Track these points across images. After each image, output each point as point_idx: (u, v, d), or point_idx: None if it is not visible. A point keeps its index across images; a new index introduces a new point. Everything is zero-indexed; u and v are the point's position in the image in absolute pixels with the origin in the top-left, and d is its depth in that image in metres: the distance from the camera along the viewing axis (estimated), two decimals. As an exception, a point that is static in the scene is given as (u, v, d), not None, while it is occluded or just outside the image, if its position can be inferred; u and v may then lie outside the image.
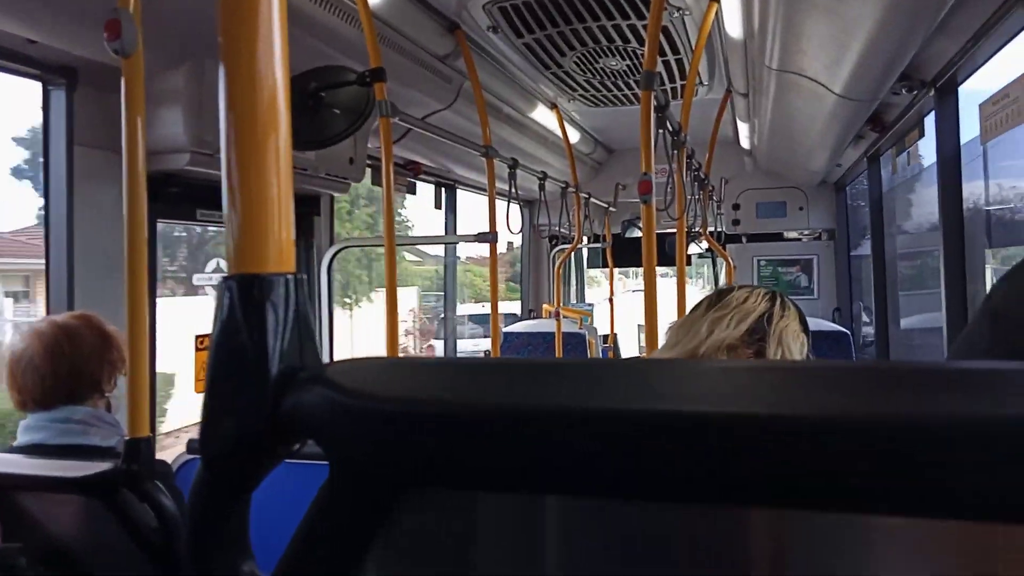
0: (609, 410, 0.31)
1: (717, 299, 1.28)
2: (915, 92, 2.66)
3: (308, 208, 2.93)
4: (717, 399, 0.31)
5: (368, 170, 2.98)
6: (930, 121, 2.81)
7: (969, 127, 2.49)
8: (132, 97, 1.17)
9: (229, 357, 0.36)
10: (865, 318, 5.00)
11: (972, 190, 2.63)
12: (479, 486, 0.34)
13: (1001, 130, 2.02)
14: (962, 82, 2.48)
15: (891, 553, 0.31)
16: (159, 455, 1.32)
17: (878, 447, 0.27)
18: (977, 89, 2.40)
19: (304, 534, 0.36)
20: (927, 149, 3.04)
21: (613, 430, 0.30)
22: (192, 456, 1.63)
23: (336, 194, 2.95)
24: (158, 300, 2.28)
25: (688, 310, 1.36)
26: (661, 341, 2.11)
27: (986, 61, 2.25)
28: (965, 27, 2.06)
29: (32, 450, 1.35)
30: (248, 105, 0.37)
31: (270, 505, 0.65)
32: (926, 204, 3.31)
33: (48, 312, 1.95)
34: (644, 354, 1.96)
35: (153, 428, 1.92)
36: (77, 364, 1.43)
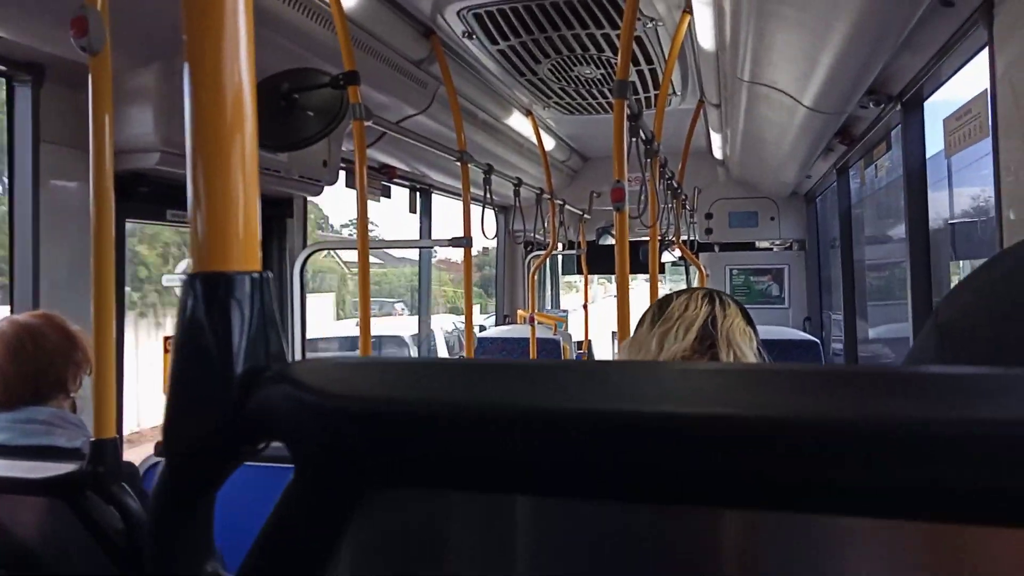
0: (575, 410, 0.31)
1: (659, 311, 1.26)
2: (882, 106, 2.71)
3: (281, 210, 2.90)
4: (687, 400, 0.32)
5: (342, 173, 2.96)
6: (897, 134, 2.87)
7: (935, 141, 2.55)
8: (99, 95, 1.15)
9: (192, 356, 0.36)
10: (835, 328, 5.08)
11: (938, 203, 2.69)
12: (446, 485, 0.35)
13: (964, 144, 2.07)
14: (927, 97, 2.54)
15: (856, 554, 0.31)
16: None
17: (824, 447, 0.28)
18: (948, 100, 2.46)
19: (268, 534, 0.36)
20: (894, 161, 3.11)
21: (578, 430, 0.31)
22: (159, 458, 1.61)
23: (309, 196, 2.94)
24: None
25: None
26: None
27: (950, 77, 2.31)
28: (929, 43, 2.11)
29: None
30: (213, 103, 0.37)
31: (234, 508, 0.64)
32: (893, 215, 3.38)
33: (12, 311, 1.91)
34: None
35: (120, 429, 1.89)
36: (41, 364, 1.41)
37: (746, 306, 1.31)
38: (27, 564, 1.12)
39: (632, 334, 1.32)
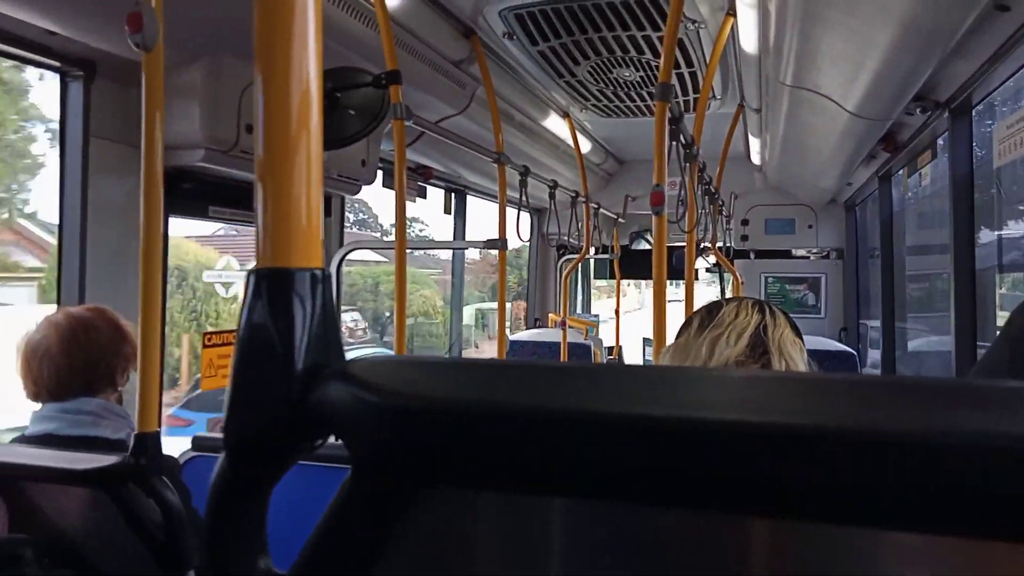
0: (633, 415, 0.31)
1: (708, 317, 1.25)
2: (929, 113, 2.66)
3: (319, 209, 2.93)
4: (726, 407, 0.31)
5: (379, 172, 2.99)
6: (943, 142, 2.81)
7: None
8: (152, 91, 1.17)
9: (255, 350, 0.36)
10: (872, 338, 4.99)
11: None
12: (500, 486, 0.34)
13: (1015, 153, 2.02)
14: (976, 104, 2.48)
15: (883, 559, 0.31)
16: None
17: (883, 460, 0.27)
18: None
19: (323, 530, 0.36)
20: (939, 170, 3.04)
21: (635, 434, 0.30)
22: (198, 453, 1.63)
23: (347, 195, 2.96)
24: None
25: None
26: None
27: (1001, 84, 2.25)
28: (981, 50, 2.06)
29: (43, 440, 1.36)
30: (283, 104, 0.37)
31: (284, 507, 0.65)
32: (937, 226, 3.30)
33: (59, 305, 1.96)
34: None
35: (161, 423, 1.92)
36: (93, 356, 1.43)
37: (780, 307, 1.30)
38: (69, 553, 1.14)
39: (675, 339, 1.31)
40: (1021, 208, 2.58)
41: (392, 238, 2.19)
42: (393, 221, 2.20)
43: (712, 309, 1.28)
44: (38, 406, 1.42)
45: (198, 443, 1.65)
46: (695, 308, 2.45)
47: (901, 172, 3.76)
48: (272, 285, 0.36)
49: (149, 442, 1.11)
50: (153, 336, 1.14)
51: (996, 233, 2.65)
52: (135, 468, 1.10)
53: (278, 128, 0.37)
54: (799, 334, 1.26)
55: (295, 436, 0.35)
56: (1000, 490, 0.26)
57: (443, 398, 0.33)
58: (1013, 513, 0.26)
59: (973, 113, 2.54)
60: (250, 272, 0.37)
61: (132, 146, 1.16)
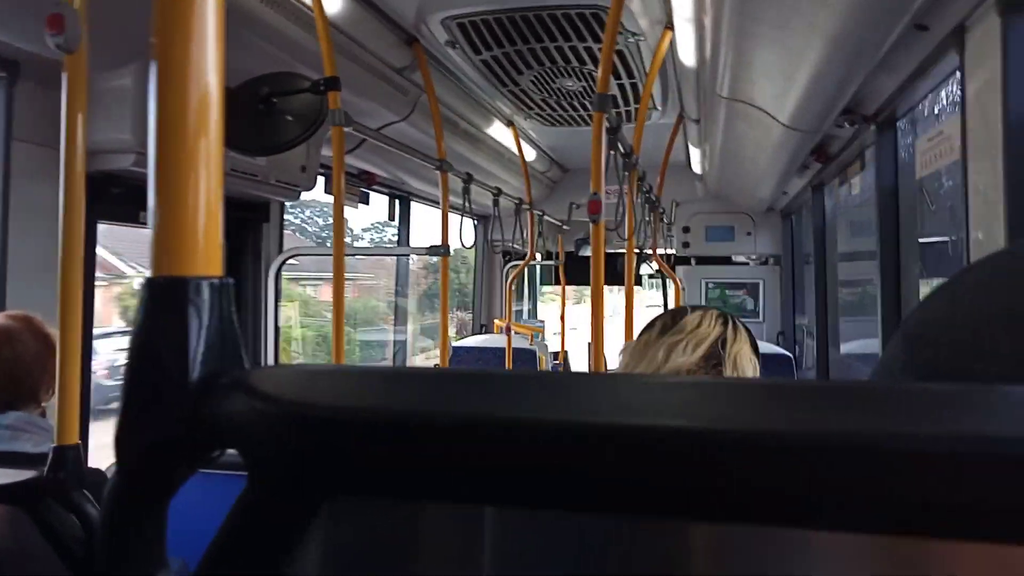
0: (531, 420, 0.31)
1: (671, 322, 1.27)
2: (856, 126, 2.76)
3: (257, 214, 2.88)
4: (653, 412, 0.32)
5: (320, 178, 2.95)
6: (870, 154, 2.92)
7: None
8: (73, 94, 1.14)
9: (147, 361, 0.35)
10: (808, 342, 5.14)
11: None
12: (400, 495, 0.34)
13: (935, 165, 2.11)
14: (900, 118, 2.58)
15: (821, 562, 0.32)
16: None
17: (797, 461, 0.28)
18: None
19: (220, 544, 0.35)
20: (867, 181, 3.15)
21: (536, 440, 0.31)
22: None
23: (286, 201, 2.92)
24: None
25: (639, 330, 1.35)
26: (611, 361, 2.13)
27: (922, 99, 2.35)
28: (903, 66, 2.14)
29: None
30: (179, 105, 0.37)
31: (186, 517, 0.63)
32: (865, 233, 3.43)
33: (-23, 312, 1.88)
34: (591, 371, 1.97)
35: (85, 435, 1.86)
36: (17, 370, 1.37)
37: (743, 323, 1.33)
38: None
39: (636, 338, 1.33)
40: (941, 217, 2.70)
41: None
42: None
43: (677, 315, 1.30)
44: None
45: None
46: (633, 314, 2.49)
47: (834, 182, 3.89)
48: (165, 295, 0.36)
49: (68, 455, 1.07)
50: (72, 344, 1.10)
51: (919, 240, 2.76)
52: (53, 482, 1.06)
53: (173, 132, 0.36)
54: (757, 352, 1.29)
55: (190, 448, 0.35)
56: (884, 490, 0.27)
57: (334, 406, 0.32)
58: (898, 509, 0.27)
59: (898, 126, 2.65)
60: (144, 280, 0.36)
61: (57, 149, 1.13)
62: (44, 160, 1.95)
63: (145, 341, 0.35)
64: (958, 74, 1.81)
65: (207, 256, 0.37)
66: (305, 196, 2.78)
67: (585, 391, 0.33)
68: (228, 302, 0.37)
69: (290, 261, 2.97)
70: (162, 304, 0.36)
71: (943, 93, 2.22)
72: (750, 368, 1.24)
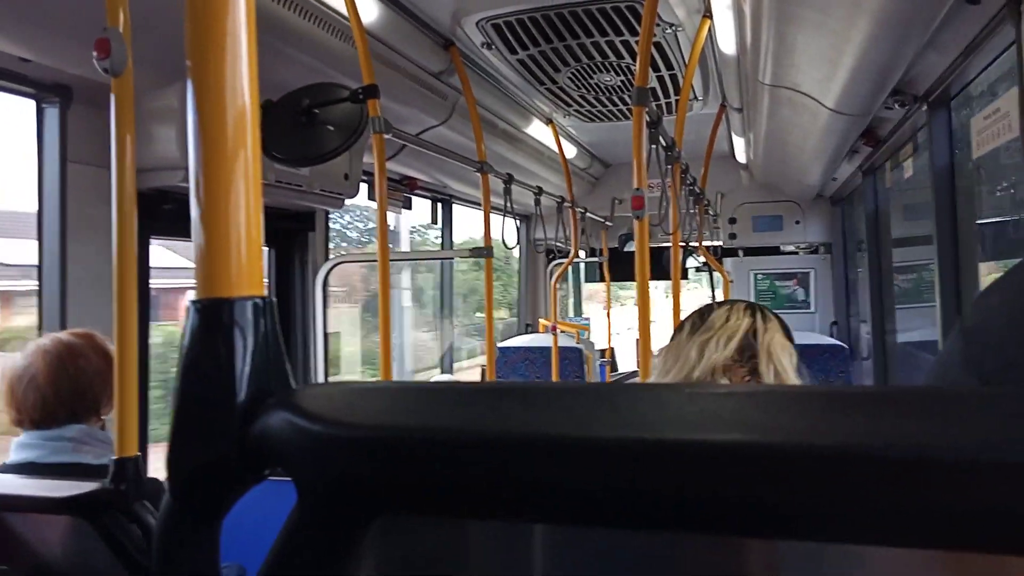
0: (576, 437, 0.31)
1: (700, 320, 1.27)
2: (908, 107, 2.67)
3: (303, 224, 2.93)
4: (703, 426, 0.31)
5: (363, 186, 2.98)
6: (924, 135, 2.82)
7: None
8: (122, 115, 1.17)
9: (195, 383, 0.36)
10: (863, 331, 5.00)
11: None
12: (448, 513, 0.34)
13: (993, 143, 2.03)
14: (954, 97, 2.49)
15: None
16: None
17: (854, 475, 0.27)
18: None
19: (273, 560, 0.35)
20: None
21: (576, 456, 0.30)
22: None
23: (331, 209, 2.96)
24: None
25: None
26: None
27: (976, 76, 2.26)
28: (954, 43, 2.07)
29: (24, 468, 1.34)
30: (217, 125, 0.37)
31: (250, 521, 0.64)
32: (923, 216, 3.32)
33: (41, 328, 1.94)
34: (639, 369, 1.96)
35: (144, 447, 1.91)
36: (80, 384, 1.41)
37: (773, 311, 1.31)
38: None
39: (669, 341, 1.33)
40: (1000, 196, 2.59)
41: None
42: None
43: (704, 312, 1.30)
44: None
45: None
46: (681, 308, 2.46)
47: (886, 165, 3.78)
48: (210, 316, 0.36)
49: (128, 467, 1.10)
50: (129, 359, 1.13)
51: (978, 222, 2.66)
52: (115, 494, 1.09)
53: (212, 152, 0.37)
54: (790, 337, 1.27)
55: (239, 468, 0.35)
56: (929, 500, 0.26)
57: (381, 425, 0.32)
58: (950, 522, 0.26)
59: (952, 105, 2.56)
60: (189, 303, 0.36)
61: (110, 169, 1.17)
62: (98, 180, 2.01)
63: (192, 364, 0.36)
64: (1014, 48, 1.73)
65: (249, 276, 0.37)
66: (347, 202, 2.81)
67: (633, 404, 0.32)
68: (272, 320, 0.37)
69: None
70: (207, 326, 0.36)
71: (998, 68, 2.13)
72: (785, 355, 1.23)
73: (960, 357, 0.42)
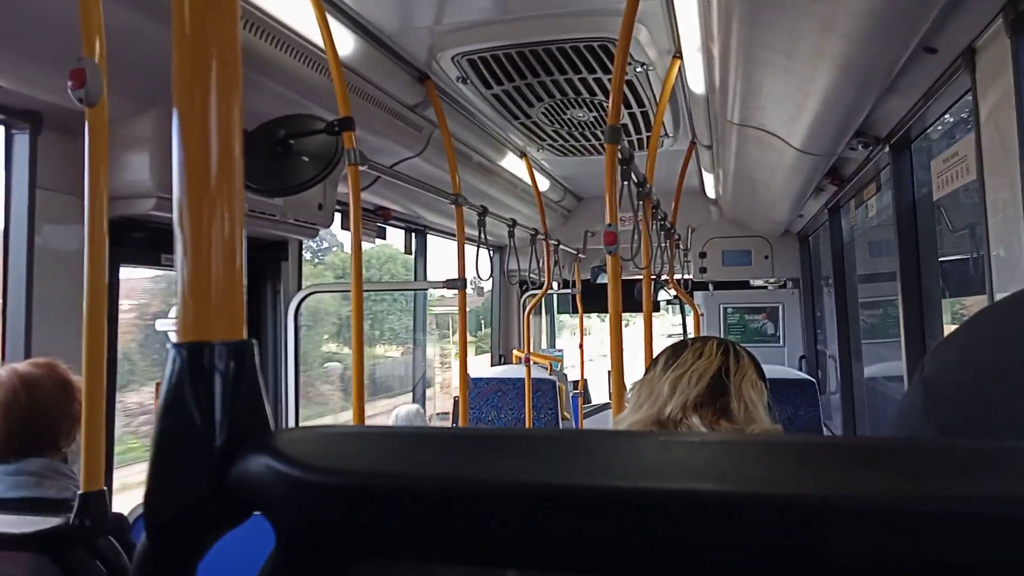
0: (552, 485, 0.31)
1: (673, 356, 1.29)
2: (871, 148, 2.75)
3: (276, 253, 2.91)
4: (666, 474, 0.32)
5: (337, 215, 2.98)
6: (886, 175, 2.91)
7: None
8: (96, 144, 1.16)
9: (174, 426, 0.36)
10: (830, 365, 5.08)
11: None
12: (427, 558, 0.34)
13: (952, 185, 2.10)
14: (914, 139, 2.57)
15: None
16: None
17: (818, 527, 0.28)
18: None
19: (250, 604, 0.35)
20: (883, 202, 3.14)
21: (559, 505, 0.31)
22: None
23: (304, 239, 2.95)
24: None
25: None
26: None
27: (935, 120, 2.35)
28: (915, 88, 2.15)
29: None
30: (199, 159, 0.38)
31: (227, 563, 0.63)
32: (884, 255, 3.40)
33: (3, 358, 1.90)
34: (612, 401, 1.97)
35: (109, 481, 1.87)
36: (33, 416, 1.38)
37: (741, 344, 1.33)
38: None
39: (643, 375, 1.34)
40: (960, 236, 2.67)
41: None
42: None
43: (678, 348, 1.31)
44: None
45: None
46: (653, 342, 2.48)
47: (850, 204, 3.88)
48: (192, 360, 0.36)
49: (94, 501, 1.08)
50: (98, 390, 1.11)
51: (939, 260, 2.73)
52: (80, 529, 1.06)
53: (196, 201, 0.37)
54: (762, 376, 1.29)
55: (217, 512, 0.35)
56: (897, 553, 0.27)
57: (361, 471, 0.33)
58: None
59: (912, 148, 2.64)
60: (171, 346, 0.37)
61: (81, 196, 1.15)
62: (67, 207, 1.99)
63: (171, 407, 0.36)
64: (970, 95, 1.81)
65: (231, 320, 0.38)
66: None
67: (609, 452, 0.33)
68: (252, 363, 0.38)
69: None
70: (188, 370, 0.36)
71: (956, 113, 2.21)
72: (756, 394, 1.25)
73: (920, 410, 0.44)
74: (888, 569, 0.27)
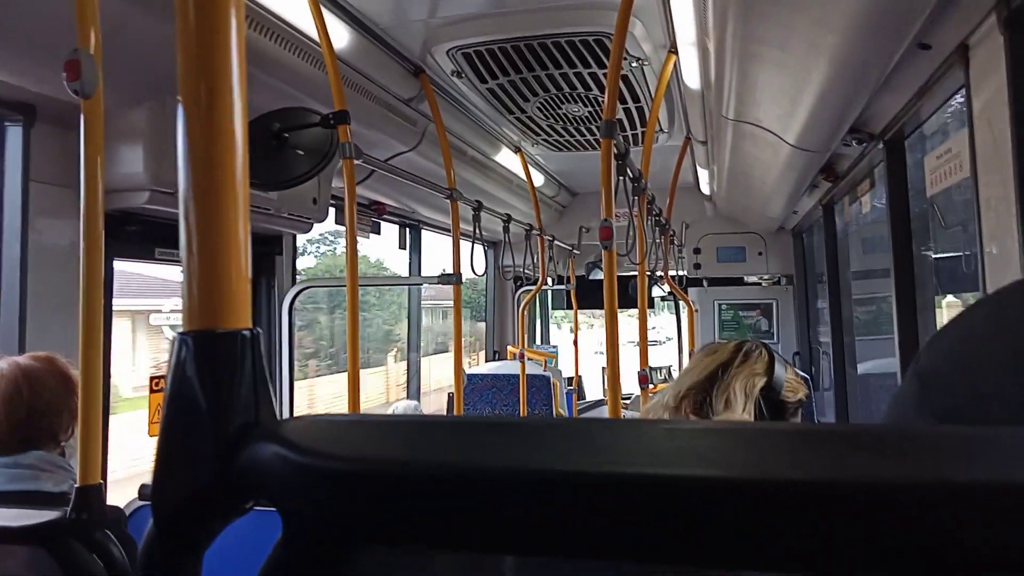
0: (556, 471, 0.32)
1: (700, 354, 1.39)
2: (865, 144, 2.76)
3: (270, 247, 2.91)
4: (666, 460, 0.32)
5: (331, 209, 2.98)
6: (880, 171, 2.92)
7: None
8: (91, 137, 1.16)
9: (182, 413, 0.36)
10: (824, 362, 5.10)
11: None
12: (433, 544, 0.35)
13: (944, 183, 2.11)
14: (908, 136, 2.58)
15: None
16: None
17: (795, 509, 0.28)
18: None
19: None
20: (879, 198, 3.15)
21: (562, 490, 0.31)
22: (144, 503, 1.58)
23: (299, 233, 2.94)
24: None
25: (652, 355, 1.46)
26: (625, 386, 2.14)
27: (929, 117, 2.36)
28: (908, 84, 2.15)
29: None
30: (205, 152, 0.38)
31: (233, 552, 0.64)
32: (879, 250, 3.42)
33: (-4, 352, 1.89)
34: (607, 396, 1.98)
35: (105, 474, 1.86)
36: (35, 410, 1.37)
37: (767, 346, 1.38)
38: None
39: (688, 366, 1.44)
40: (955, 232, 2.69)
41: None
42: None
43: (705, 348, 1.43)
44: None
45: (144, 492, 1.60)
46: (646, 337, 2.49)
47: (844, 200, 3.89)
48: (199, 349, 0.36)
49: (91, 495, 1.08)
50: (94, 384, 1.11)
51: (934, 256, 2.75)
52: (76, 523, 1.06)
53: (203, 190, 0.37)
54: (771, 375, 1.32)
55: (224, 499, 0.35)
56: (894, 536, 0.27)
57: (367, 458, 0.33)
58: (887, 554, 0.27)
59: (906, 144, 2.65)
60: (177, 335, 0.37)
61: (74, 189, 1.15)
62: (61, 200, 1.98)
63: (179, 395, 0.36)
64: (963, 91, 1.81)
65: (237, 308, 0.38)
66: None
67: (612, 439, 0.33)
68: (258, 353, 0.38)
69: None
70: (195, 358, 0.36)
71: (950, 110, 2.22)
72: (743, 388, 1.31)
73: (915, 399, 0.44)
74: (885, 551, 0.27)
